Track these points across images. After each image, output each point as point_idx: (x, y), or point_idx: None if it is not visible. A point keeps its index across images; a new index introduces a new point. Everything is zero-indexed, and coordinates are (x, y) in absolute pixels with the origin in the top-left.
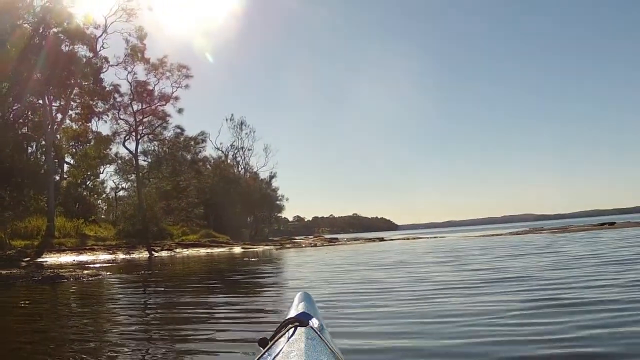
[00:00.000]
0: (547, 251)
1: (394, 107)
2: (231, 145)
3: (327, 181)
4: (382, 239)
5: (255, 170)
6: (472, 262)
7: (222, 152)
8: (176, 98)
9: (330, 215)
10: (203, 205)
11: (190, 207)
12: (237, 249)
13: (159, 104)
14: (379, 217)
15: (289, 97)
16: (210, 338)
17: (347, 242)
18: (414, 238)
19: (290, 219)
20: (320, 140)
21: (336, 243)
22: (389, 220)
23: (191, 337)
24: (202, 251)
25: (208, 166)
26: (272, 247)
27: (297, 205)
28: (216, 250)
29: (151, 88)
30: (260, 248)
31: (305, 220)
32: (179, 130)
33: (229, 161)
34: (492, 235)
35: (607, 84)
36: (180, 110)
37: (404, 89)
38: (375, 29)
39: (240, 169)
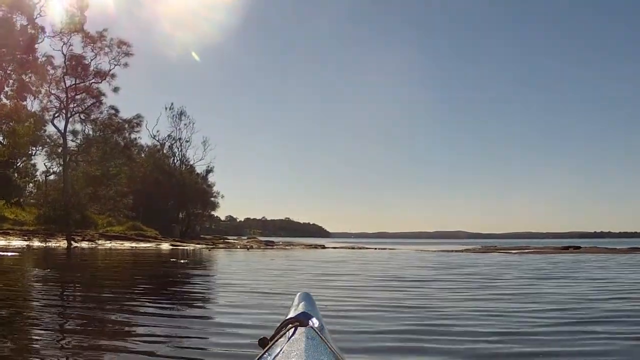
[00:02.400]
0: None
1: (334, 114)
2: (168, 135)
3: (261, 183)
4: (323, 247)
5: (191, 163)
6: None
7: (158, 141)
8: (113, 76)
9: (263, 217)
10: (133, 196)
11: (119, 196)
12: (166, 246)
13: (94, 80)
14: (311, 223)
15: (230, 91)
16: None
17: (287, 247)
18: (359, 248)
19: (223, 218)
20: (259, 140)
21: (274, 247)
22: (321, 227)
23: None
24: (127, 245)
25: (142, 155)
26: (204, 246)
27: (229, 204)
28: (142, 245)
29: (87, 62)
30: (191, 246)
31: (238, 220)
32: (113, 111)
33: (164, 151)
34: (449, 251)
35: (559, 105)
36: (116, 89)
37: (347, 95)
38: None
39: (176, 160)
